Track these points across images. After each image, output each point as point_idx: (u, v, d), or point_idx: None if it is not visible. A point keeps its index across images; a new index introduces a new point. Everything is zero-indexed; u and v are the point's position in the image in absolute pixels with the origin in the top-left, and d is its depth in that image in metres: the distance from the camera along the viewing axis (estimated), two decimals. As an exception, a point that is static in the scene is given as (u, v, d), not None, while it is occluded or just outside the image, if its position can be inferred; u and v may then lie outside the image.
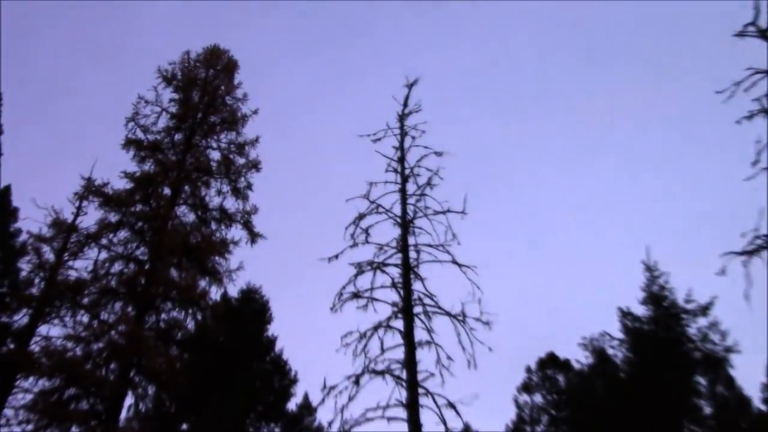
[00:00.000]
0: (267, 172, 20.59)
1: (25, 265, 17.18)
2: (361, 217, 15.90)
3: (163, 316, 17.41)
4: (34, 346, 15.98)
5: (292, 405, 21.69)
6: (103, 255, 17.29)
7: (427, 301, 14.72)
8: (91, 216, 18.00)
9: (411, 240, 15.64)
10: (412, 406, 13.28)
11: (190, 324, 17.47)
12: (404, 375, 13.72)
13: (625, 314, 20.64)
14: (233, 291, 22.88)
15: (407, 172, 16.77)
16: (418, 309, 14.67)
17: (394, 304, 14.65)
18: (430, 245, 15.33)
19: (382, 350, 14.16)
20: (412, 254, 15.35)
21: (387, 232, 16.32)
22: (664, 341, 19.33)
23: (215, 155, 20.32)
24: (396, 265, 15.22)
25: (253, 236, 19.15)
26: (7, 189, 19.19)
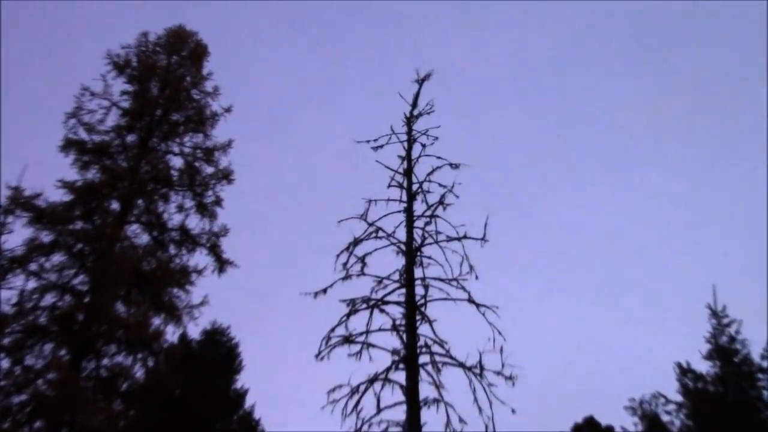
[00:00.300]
0: (241, 185, 20.80)
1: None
2: (357, 242, 16.18)
3: (106, 361, 17.30)
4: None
5: (264, 477, 21.83)
6: (32, 284, 16.98)
7: (435, 348, 14.88)
8: (19, 235, 17.08)
9: (418, 272, 15.91)
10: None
11: (140, 372, 17.38)
12: (405, 441, 13.92)
13: (685, 371, 20.76)
14: (195, 331, 22.81)
15: (415, 187, 17.07)
16: (424, 358, 14.80)
17: (394, 352, 14.80)
18: (441, 279, 15.60)
19: (379, 409, 14.27)
20: (419, 290, 15.65)
21: (388, 261, 16.28)
22: (735, 406, 19.32)
23: (177, 162, 20.41)
24: (398, 303, 15.43)
25: (222, 263, 19.21)
26: None
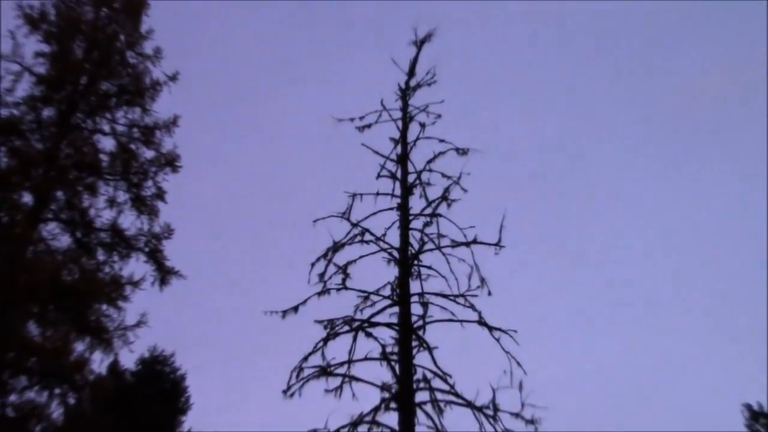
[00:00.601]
0: (190, 175, 20.88)
1: None
2: (337, 247, 16.24)
3: (14, 397, 17.16)
4: None
5: None
6: None
7: (437, 383, 14.94)
8: None
9: (414, 286, 15.96)
10: None
11: (57, 411, 17.31)
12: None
13: (756, 415, 20.91)
14: (129, 360, 23.00)
15: (411, 179, 17.14)
16: (422, 396, 14.79)
17: (384, 387, 14.88)
18: (444, 295, 15.73)
19: (364, 462, 14.38)
20: (416, 309, 15.72)
21: (377, 272, 16.33)
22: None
23: (107, 144, 20.31)
24: (390, 325, 15.52)
25: (164, 273, 19.18)
26: None
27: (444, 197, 16.68)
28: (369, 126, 17.67)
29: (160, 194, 19.80)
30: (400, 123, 17.79)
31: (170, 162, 19.88)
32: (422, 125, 17.64)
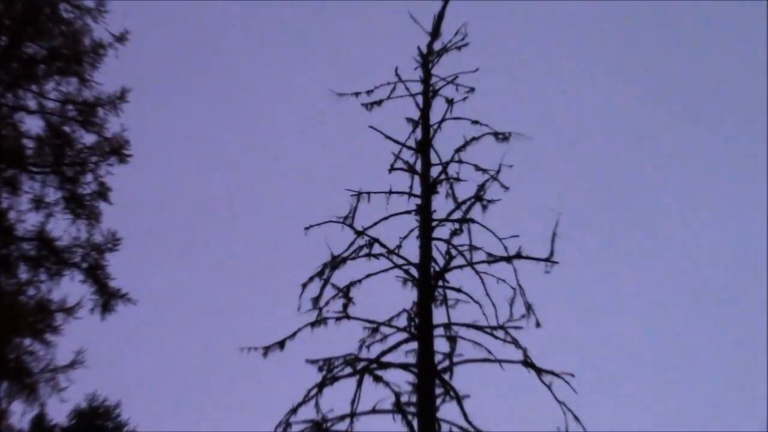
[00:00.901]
0: (143, 166, 20.87)
1: None
2: (336, 263, 16.29)
3: None
4: None
5: None
6: None
7: None
8: None
9: (439, 315, 15.99)
10: None
11: None
12: None
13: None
14: (61, 411, 22.14)
15: (435, 172, 17.18)
16: None
17: None
18: (477, 327, 15.77)
19: None
20: (441, 345, 15.72)
21: (389, 296, 16.41)
22: None
23: (33, 125, 19.89)
24: (406, 367, 15.50)
25: (108, 296, 18.87)
26: None
27: (478, 197, 16.73)
28: (379, 103, 17.77)
29: (102, 192, 19.43)
30: (420, 99, 17.78)
31: (116, 150, 19.51)
32: (449, 102, 17.64)
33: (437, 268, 16.30)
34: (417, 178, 17.19)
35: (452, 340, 15.77)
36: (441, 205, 16.99)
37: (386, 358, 15.59)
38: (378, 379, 15.38)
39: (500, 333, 15.57)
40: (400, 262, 16.34)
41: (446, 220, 16.77)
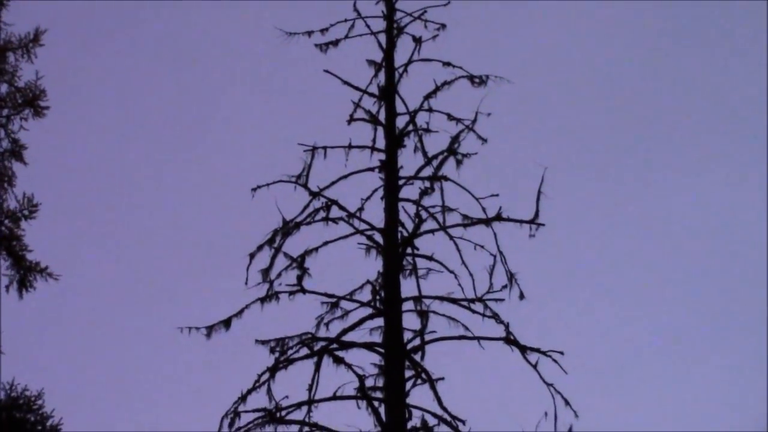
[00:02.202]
0: (64, 120, 19.89)
1: None
2: (289, 229, 16.08)
3: None
4: None
5: None
6: None
7: (443, 431, 14.69)
8: None
9: (408, 286, 15.83)
10: None
11: None
12: None
13: None
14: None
15: (401, 123, 16.94)
16: None
17: None
18: (452, 299, 15.58)
19: None
20: (410, 321, 15.59)
21: (351, 266, 16.27)
22: None
23: None
24: (371, 347, 15.30)
25: (25, 271, 17.98)
26: None
27: (451, 151, 16.45)
28: (336, 43, 17.46)
29: (16, 151, 18.43)
30: (383, 38, 17.41)
31: (31, 101, 18.60)
32: (417, 41, 17.34)
33: (405, 233, 16.07)
34: (381, 130, 16.82)
35: (423, 315, 15.53)
36: (409, 161, 16.78)
37: (348, 337, 15.34)
38: (339, 360, 15.10)
39: (478, 306, 15.33)
40: (363, 227, 16.14)
41: (415, 177, 16.50)
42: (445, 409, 14.58)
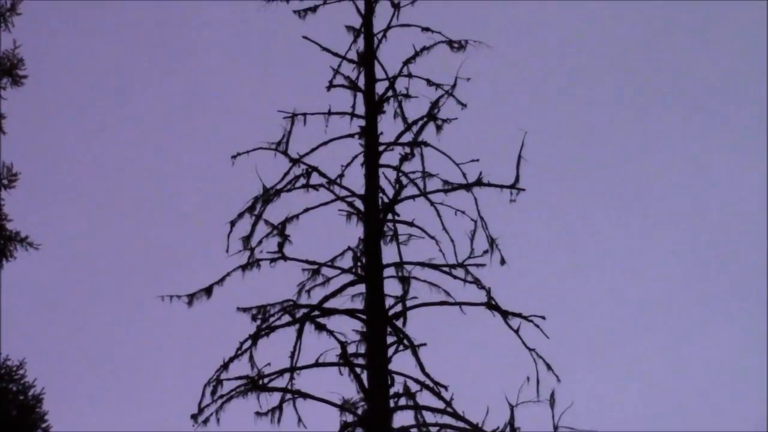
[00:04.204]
0: (42, 88, 20.23)
1: None
2: (269, 196, 16.18)
3: None
4: None
5: None
6: None
7: (425, 398, 14.89)
8: None
9: (388, 252, 15.99)
10: None
11: None
12: None
13: None
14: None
15: (381, 89, 16.97)
16: (404, 418, 14.78)
17: (346, 407, 14.92)
18: (433, 265, 15.75)
19: None
20: (392, 287, 15.74)
21: (331, 232, 16.52)
22: None
23: None
24: (353, 313, 15.41)
25: (5, 241, 17.90)
26: None
27: (431, 116, 16.56)
28: (314, 9, 17.30)
29: None
30: (362, 4, 17.41)
31: (9, 70, 18.45)
32: (396, 6, 17.22)
33: (386, 200, 16.17)
34: (360, 96, 16.85)
35: (405, 281, 15.67)
36: (388, 127, 16.79)
37: (329, 304, 15.44)
38: (321, 327, 15.23)
39: (460, 272, 15.54)
40: (343, 193, 16.21)
41: (395, 143, 16.55)
42: (427, 375, 14.85)
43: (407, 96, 16.76)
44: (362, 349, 15.12)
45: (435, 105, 16.50)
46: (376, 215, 15.84)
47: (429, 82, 16.68)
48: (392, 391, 14.71)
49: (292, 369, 14.88)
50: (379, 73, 16.97)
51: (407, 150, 16.41)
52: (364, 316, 15.18)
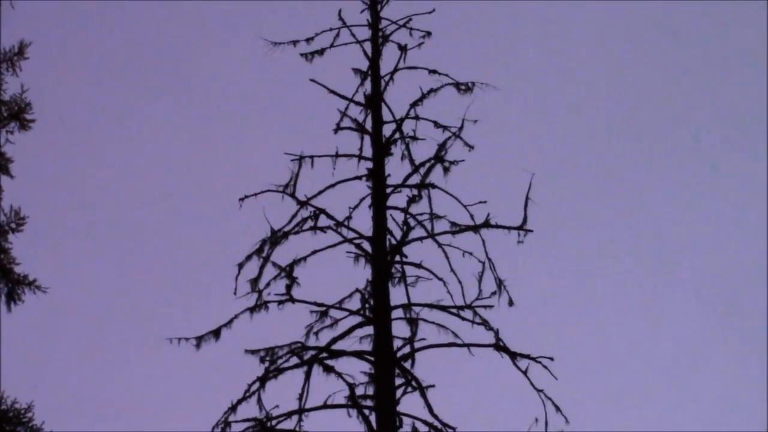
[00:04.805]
0: (50, 133, 19.92)
1: None
2: (277, 239, 16.12)
3: None
4: None
5: None
6: None
7: None
8: None
9: (397, 294, 16.00)
10: None
11: None
12: None
13: None
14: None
15: (388, 131, 17.00)
16: None
17: None
18: (441, 307, 15.78)
19: None
20: (399, 328, 15.76)
21: (340, 274, 16.36)
22: None
23: None
24: (361, 355, 15.43)
25: (13, 284, 18.10)
26: None
27: (438, 158, 16.64)
28: (321, 52, 17.51)
29: (2, 164, 18.56)
30: (368, 46, 17.60)
31: (16, 114, 18.68)
32: (402, 49, 17.44)
33: (393, 242, 16.20)
34: (367, 138, 16.94)
35: (413, 322, 15.68)
36: (396, 169, 16.87)
37: (338, 346, 15.46)
38: (329, 369, 15.22)
39: (468, 313, 15.54)
40: (351, 235, 16.24)
41: (402, 185, 16.63)
42: (435, 416, 14.81)
43: (414, 138, 16.84)
44: (370, 391, 15.07)
45: (442, 147, 16.57)
46: (384, 257, 15.87)
47: (436, 124, 16.74)
48: (401, 432, 15.07)
49: (301, 411, 14.84)
50: (386, 115, 17.06)
51: (415, 192, 16.45)
52: (372, 358, 15.20)
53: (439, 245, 15.91)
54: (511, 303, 15.56)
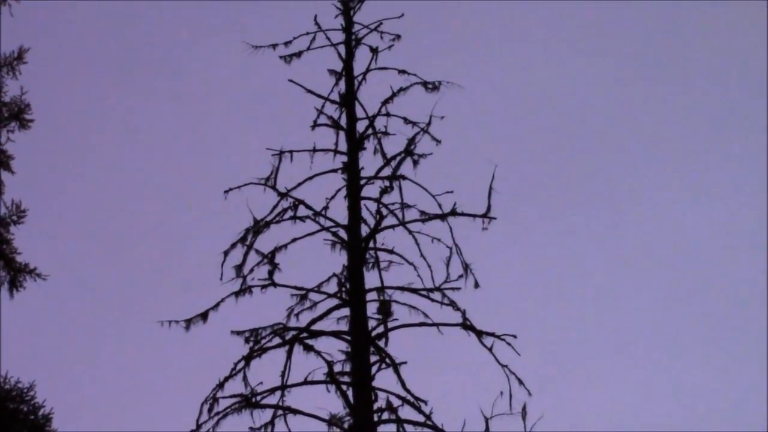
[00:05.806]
0: (48, 131, 20.71)
1: None
2: (259, 228, 16.50)
3: None
4: None
5: None
6: None
7: (406, 412, 15.24)
8: None
9: (371, 278, 16.32)
10: None
11: None
12: None
13: None
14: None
15: (362, 127, 17.37)
16: (386, 431, 15.13)
17: (333, 421, 15.22)
18: (412, 289, 16.17)
19: None
20: (374, 310, 16.09)
21: (318, 260, 16.58)
22: None
23: None
24: (338, 335, 15.82)
25: (15, 272, 18.43)
26: None
27: (408, 152, 16.91)
28: (298, 54, 17.78)
29: (4, 161, 18.92)
30: (342, 48, 17.89)
31: (17, 115, 19.05)
32: (374, 51, 17.73)
33: (367, 229, 16.49)
34: (342, 134, 17.24)
35: (385, 304, 15.98)
36: (369, 162, 17.18)
37: (317, 326, 15.77)
38: (309, 348, 15.56)
39: (437, 295, 15.88)
40: (328, 224, 16.52)
41: (375, 177, 16.95)
42: (408, 390, 15.16)
43: (386, 133, 17.18)
44: (347, 368, 15.46)
45: (412, 141, 16.87)
46: (358, 244, 16.21)
47: (406, 120, 17.07)
48: (376, 406, 15.05)
49: (283, 387, 15.24)
50: (359, 112, 17.42)
51: (387, 183, 16.79)
52: (348, 337, 15.57)
53: (410, 232, 16.29)
54: (476, 285, 15.89)
